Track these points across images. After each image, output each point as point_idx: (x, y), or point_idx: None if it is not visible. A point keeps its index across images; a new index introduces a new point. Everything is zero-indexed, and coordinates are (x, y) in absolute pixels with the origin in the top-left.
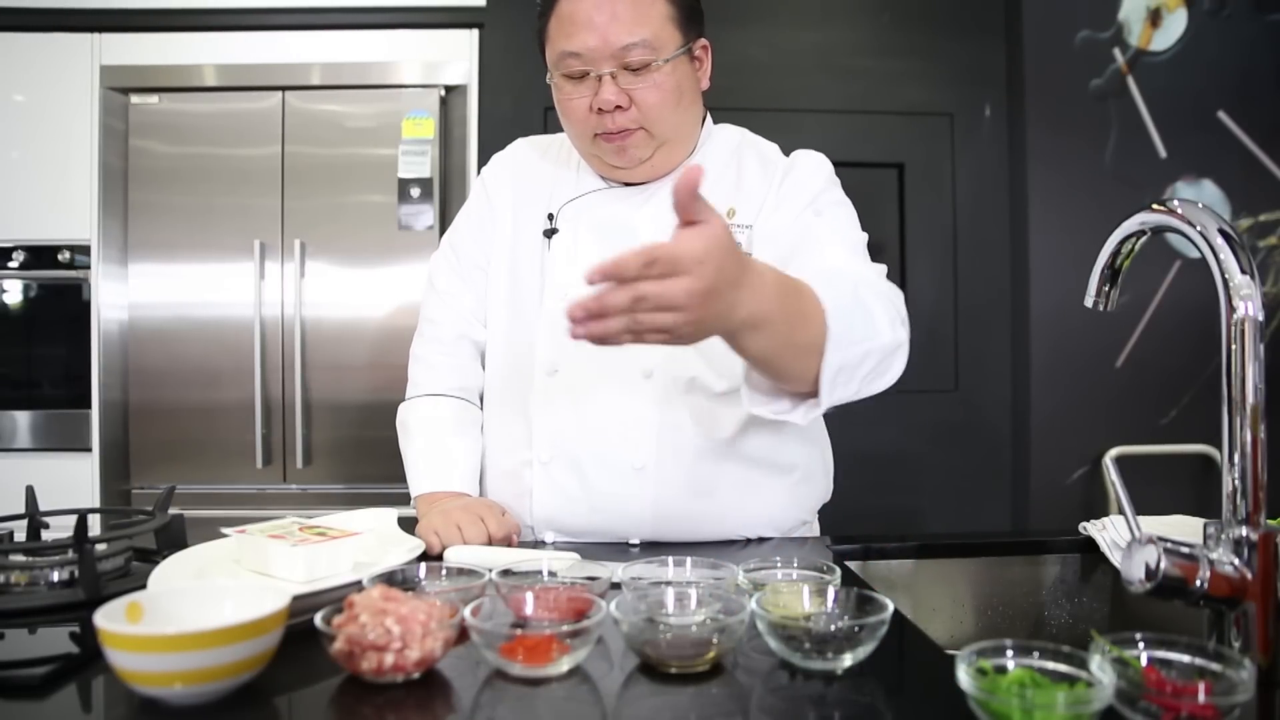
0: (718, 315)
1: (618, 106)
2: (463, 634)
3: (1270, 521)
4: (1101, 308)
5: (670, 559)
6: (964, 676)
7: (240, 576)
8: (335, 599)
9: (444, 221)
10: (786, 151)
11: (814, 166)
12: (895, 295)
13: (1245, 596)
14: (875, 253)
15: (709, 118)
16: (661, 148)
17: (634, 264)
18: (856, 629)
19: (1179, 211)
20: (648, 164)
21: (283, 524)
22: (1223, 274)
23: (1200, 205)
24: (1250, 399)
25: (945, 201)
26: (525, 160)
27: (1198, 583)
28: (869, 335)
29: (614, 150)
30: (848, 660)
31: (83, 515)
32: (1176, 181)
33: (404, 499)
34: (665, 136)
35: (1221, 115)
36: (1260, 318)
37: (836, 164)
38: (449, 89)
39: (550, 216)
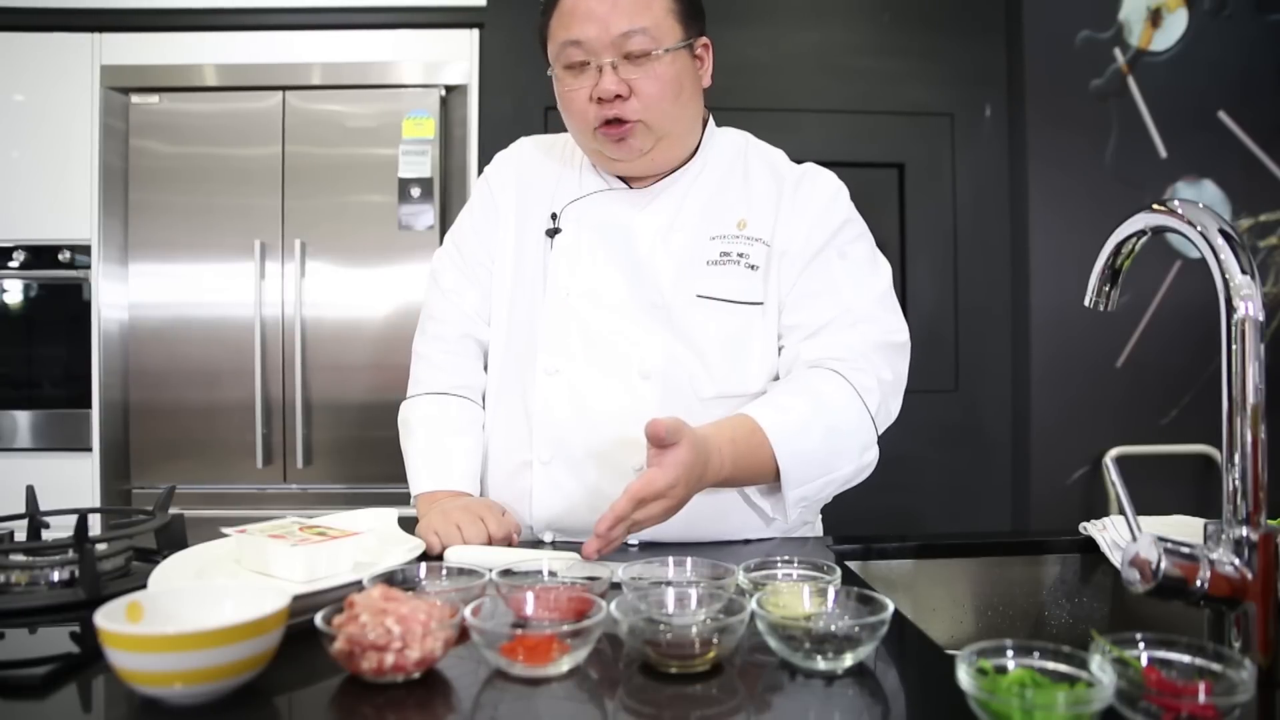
0: (691, 496)
1: (618, 96)
2: (463, 634)
3: (1270, 521)
4: (1101, 308)
5: (670, 559)
6: (964, 676)
7: (240, 576)
8: (335, 599)
9: (444, 221)
10: (792, 157)
11: (833, 192)
12: (879, 398)
13: (1245, 596)
14: None
15: (711, 120)
16: (661, 141)
17: (628, 509)
18: (856, 629)
19: (1179, 211)
20: (647, 157)
21: (283, 524)
22: (1223, 274)
23: (1200, 205)
24: (1250, 399)
25: (945, 201)
26: (529, 159)
27: (1198, 583)
28: (826, 471)
29: (614, 143)
30: (848, 660)
31: (83, 515)
32: (1177, 181)
33: (404, 499)
34: (665, 129)
35: (1222, 115)
36: (1260, 318)
37: (836, 164)
38: (449, 89)
39: (553, 216)
